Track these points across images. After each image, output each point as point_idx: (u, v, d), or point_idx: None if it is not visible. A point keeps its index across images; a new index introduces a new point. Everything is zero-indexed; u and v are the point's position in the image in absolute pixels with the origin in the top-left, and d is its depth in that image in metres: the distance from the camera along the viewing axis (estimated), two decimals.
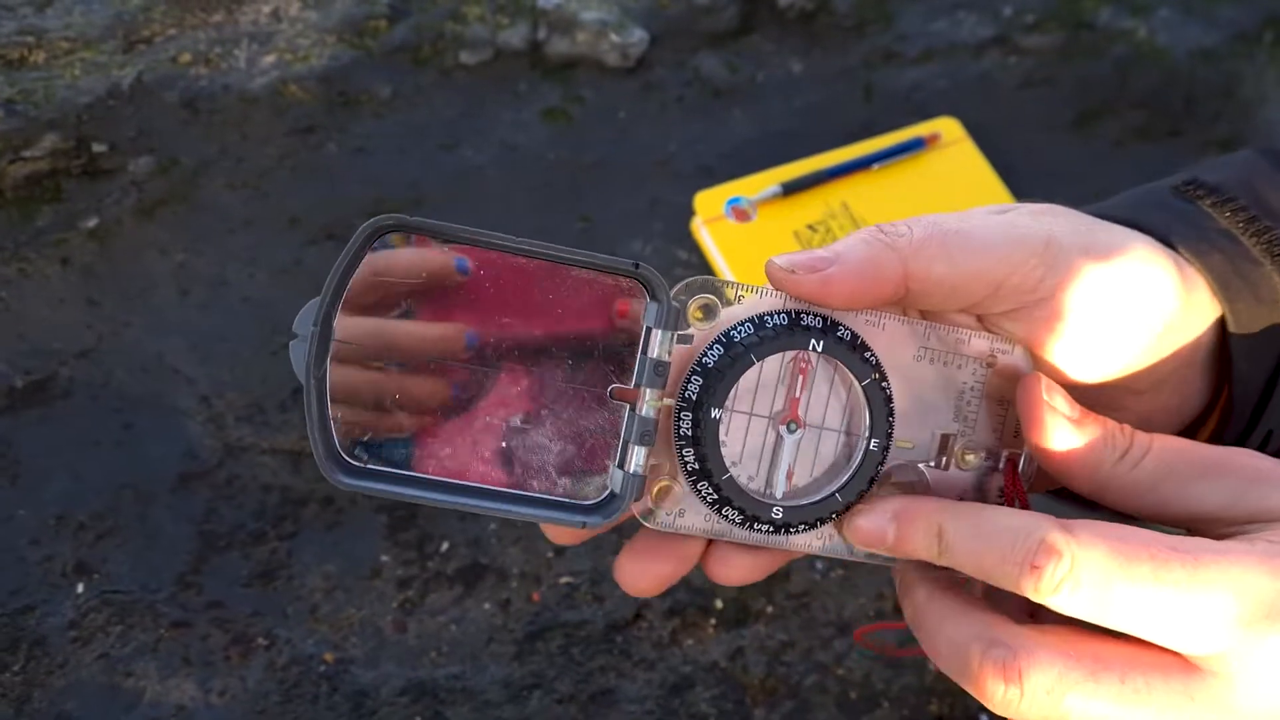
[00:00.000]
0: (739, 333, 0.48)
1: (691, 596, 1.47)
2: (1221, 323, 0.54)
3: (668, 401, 0.48)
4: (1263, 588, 0.39)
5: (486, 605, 1.44)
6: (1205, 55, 1.86)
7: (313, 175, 1.75)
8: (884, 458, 0.50)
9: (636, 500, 0.48)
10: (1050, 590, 0.42)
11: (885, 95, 1.80)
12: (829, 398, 0.51)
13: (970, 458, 0.53)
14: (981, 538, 0.45)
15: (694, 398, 0.48)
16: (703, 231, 1.71)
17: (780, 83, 1.84)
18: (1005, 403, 0.54)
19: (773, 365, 0.48)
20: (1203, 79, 1.86)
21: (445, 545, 1.51)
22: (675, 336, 0.48)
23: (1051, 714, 0.42)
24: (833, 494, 0.50)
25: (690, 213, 1.74)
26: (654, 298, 0.47)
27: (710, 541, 0.54)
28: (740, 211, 1.70)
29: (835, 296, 0.48)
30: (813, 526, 0.50)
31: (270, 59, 1.84)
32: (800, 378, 0.49)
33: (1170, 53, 1.86)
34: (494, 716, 1.36)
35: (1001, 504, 0.54)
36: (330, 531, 1.49)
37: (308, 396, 0.42)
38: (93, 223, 1.68)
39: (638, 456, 0.47)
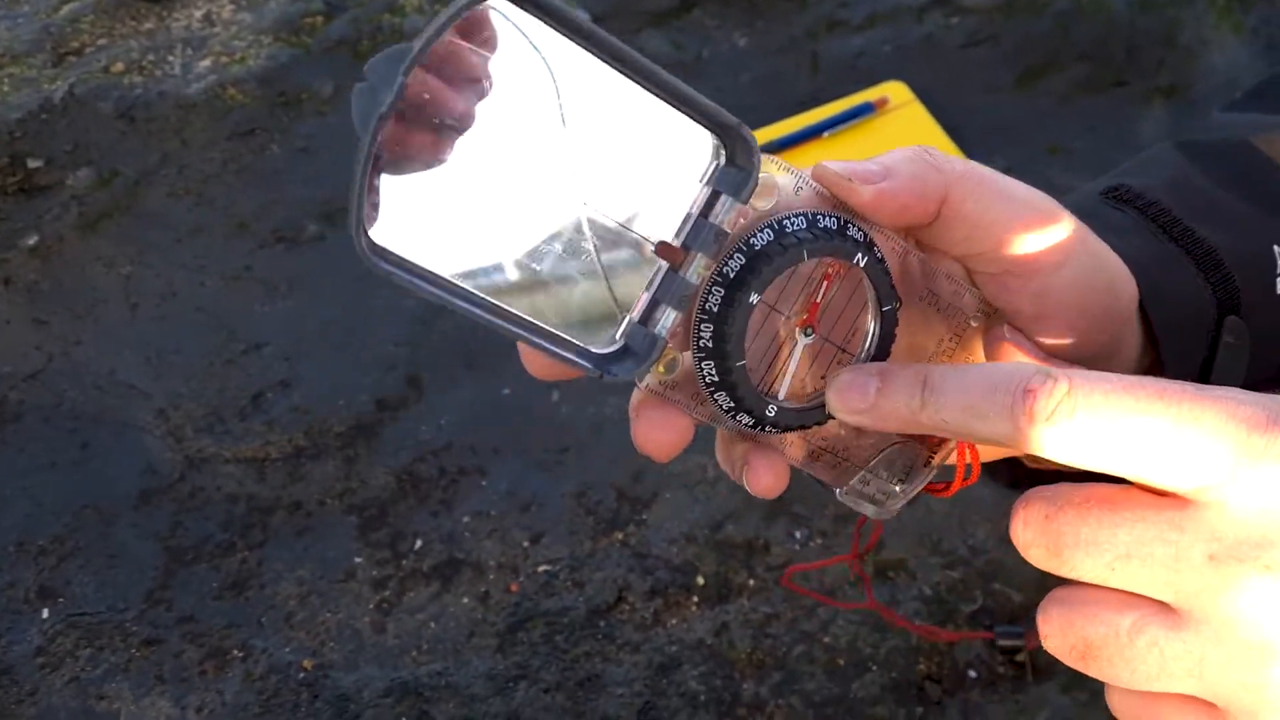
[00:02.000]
0: (792, 225, 0.44)
1: (672, 575, 1.46)
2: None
3: (708, 274, 0.45)
4: (1252, 413, 0.38)
5: (465, 600, 1.42)
6: (1144, 4, 1.87)
7: (258, 178, 1.72)
8: (896, 317, 0.49)
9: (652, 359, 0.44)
10: (1044, 417, 0.39)
11: (832, 63, 1.79)
12: (842, 311, 0.48)
13: None
14: (970, 376, 0.42)
15: (732, 276, 0.44)
16: None
17: (726, 58, 1.82)
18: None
19: (804, 266, 0.46)
20: (1143, 28, 1.87)
21: (419, 542, 1.48)
22: (741, 210, 0.44)
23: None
24: (823, 405, 0.47)
25: None
26: (734, 162, 0.44)
27: (748, 449, 0.50)
28: None
29: (883, 211, 0.47)
30: (791, 429, 0.48)
31: (206, 63, 1.80)
32: (825, 285, 0.46)
33: (1110, 4, 1.87)
34: (481, 711, 1.34)
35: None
36: (300, 537, 1.46)
37: (363, 151, 0.39)
38: (33, 240, 1.63)
39: (667, 318, 0.44)
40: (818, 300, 0.46)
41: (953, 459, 0.52)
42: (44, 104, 1.69)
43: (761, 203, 0.45)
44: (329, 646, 1.33)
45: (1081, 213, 0.54)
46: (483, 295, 0.43)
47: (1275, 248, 0.60)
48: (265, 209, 1.67)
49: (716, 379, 0.45)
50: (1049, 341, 0.51)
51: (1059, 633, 0.42)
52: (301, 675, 1.33)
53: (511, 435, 1.61)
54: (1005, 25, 1.84)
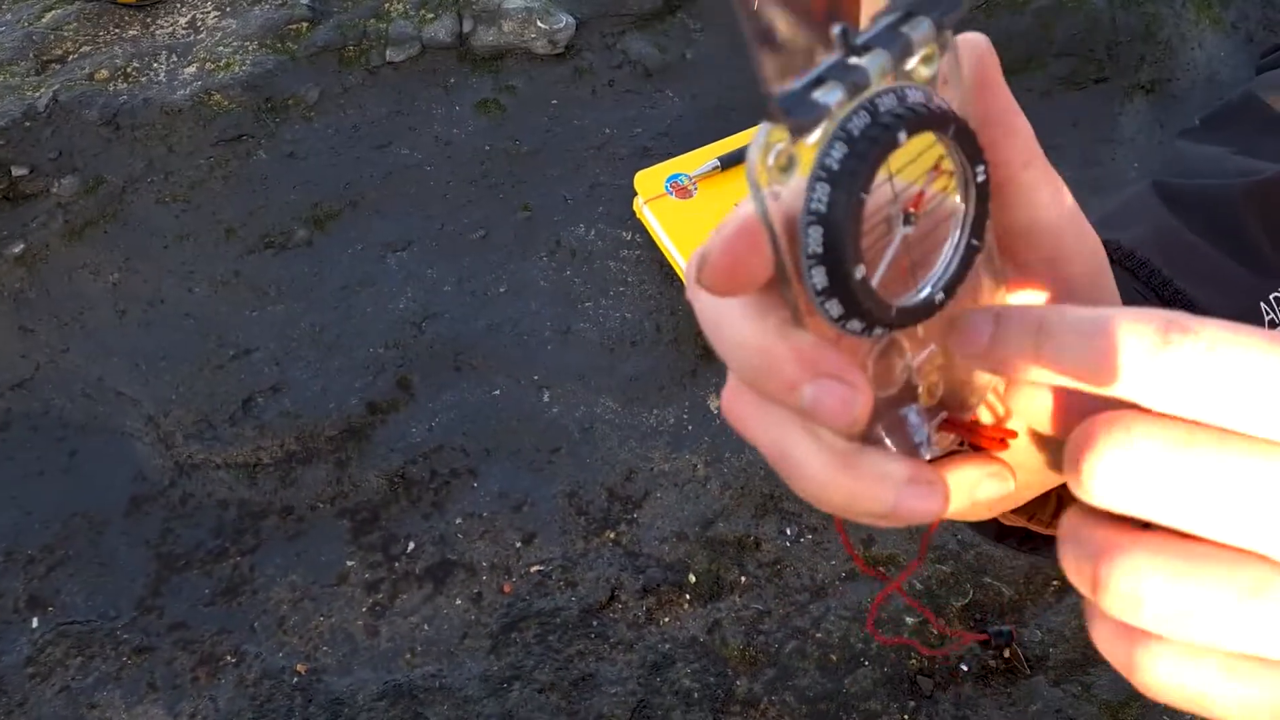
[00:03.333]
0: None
1: (664, 574, 1.46)
2: None
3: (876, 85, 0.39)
4: None
5: (458, 601, 1.42)
6: (1124, 1, 1.88)
7: (244, 184, 1.72)
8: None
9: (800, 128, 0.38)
10: (1178, 359, 0.35)
11: None
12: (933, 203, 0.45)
13: (932, 387, 0.49)
14: (1092, 318, 0.38)
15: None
16: (645, 211, 1.70)
17: (710, 59, 1.83)
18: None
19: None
20: (1124, 24, 1.88)
21: (411, 545, 1.48)
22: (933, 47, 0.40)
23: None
24: (930, 294, 0.42)
25: (631, 193, 1.72)
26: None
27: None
28: (680, 188, 1.69)
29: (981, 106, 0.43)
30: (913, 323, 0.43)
31: (191, 70, 1.80)
32: (933, 176, 0.42)
33: (1090, 0, 1.88)
34: (476, 713, 1.33)
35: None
36: (293, 541, 1.45)
37: None
38: (19, 248, 1.63)
39: (830, 94, 0.38)
40: (923, 190, 0.41)
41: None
42: (28, 112, 1.69)
43: (926, 69, 0.40)
44: (322, 651, 1.33)
45: None
46: None
47: (1263, 306, 0.58)
48: (253, 215, 1.67)
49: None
50: None
51: (1151, 590, 0.36)
52: (295, 680, 1.33)
53: (502, 436, 1.61)
54: (986, 23, 1.85)
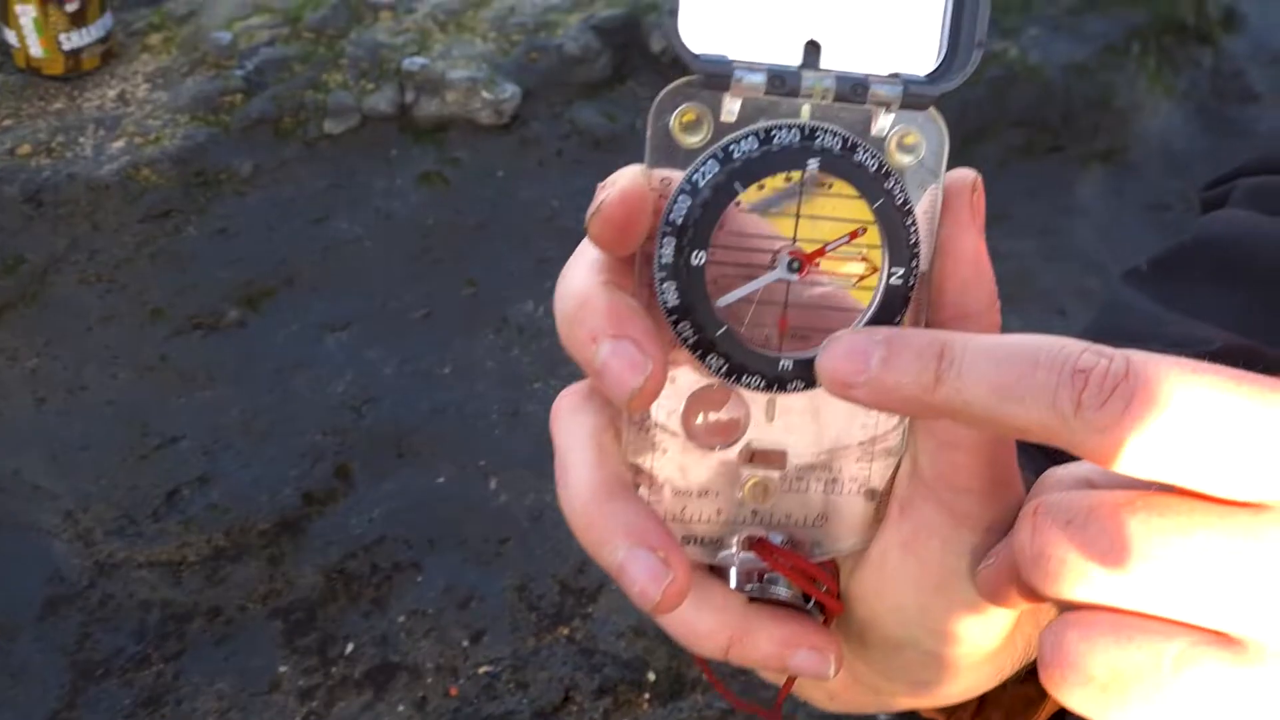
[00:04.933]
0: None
1: (622, 672, 1.38)
2: None
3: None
4: None
5: (401, 707, 1.32)
6: (1078, 70, 1.87)
7: (173, 262, 1.64)
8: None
9: (700, 84, 0.36)
10: (1098, 400, 0.32)
11: None
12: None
13: (757, 492, 0.43)
14: (1003, 347, 0.35)
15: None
16: None
17: None
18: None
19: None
20: (1078, 93, 1.87)
21: (350, 646, 1.38)
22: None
23: None
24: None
25: None
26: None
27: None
28: None
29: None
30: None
31: (119, 144, 1.72)
32: (847, 238, 0.39)
33: (1044, 70, 1.87)
34: None
35: None
36: (220, 645, 1.35)
37: None
38: None
39: (751, 72, 0.36)
40: (828, 250, 0.38)
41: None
42: None
43: (905, 156, 0.38)
44: None
45: None
46: None
47: None
48: (181, 294, 1.59)
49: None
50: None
51: (1078, 662, 0.34)
52: None
53: (448, 526, 1.53)
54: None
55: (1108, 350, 0.32)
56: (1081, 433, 0.32)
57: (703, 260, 0.36)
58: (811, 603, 0.41)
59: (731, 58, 0.36)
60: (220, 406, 1.58)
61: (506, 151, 1.77)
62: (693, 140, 0.37)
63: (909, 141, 0.38)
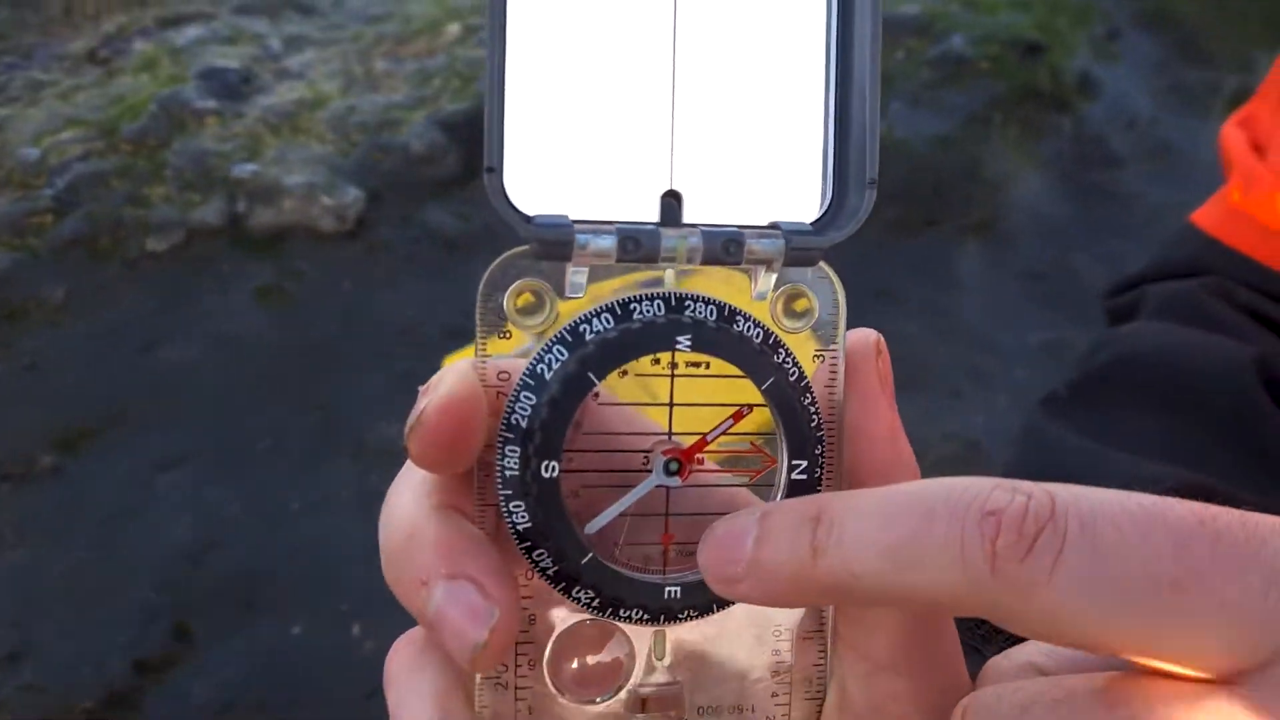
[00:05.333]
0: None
1: None
2: None
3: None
4: None
5: None
6: (943, 142, 1.84)
7: None
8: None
9: (536, 255, 0.31)
10: (1018, 551, 0.27)
11: None
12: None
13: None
14: (891, 500, 0.30)
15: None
16: None
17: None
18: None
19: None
20: (946, 166, 1.84)
21: None
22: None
23: None
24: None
25: None
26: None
27: None
28: None
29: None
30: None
31: None
32: (731, 422, 0.34)
33: (910, 144, 1.84)
34: None
35: None
36: None
37: None
38: None
39: (598, 240, 0.32)
40: (707, 439, 0.33)
41: None
42: None
43: (794, 321, 0.34)
44: None
45: None
46: None
47: None
48: None
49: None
50: None
51: None
52: None
53: (308, 684, 1.38)
54: None
55: (1024, 485, 0.28)
56: (1003, 596, 0.27)
57: (555, 472, 0.31)
58: None
59: (572, 218, 0.31)
60: (34, 569, 1.40)
61: (353, 260, 1.64)
62: (533, 323, 0.32)
63: (799, 306, 0.34)
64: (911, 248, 1.69)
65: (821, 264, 0.33)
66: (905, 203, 1.76)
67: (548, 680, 0.34)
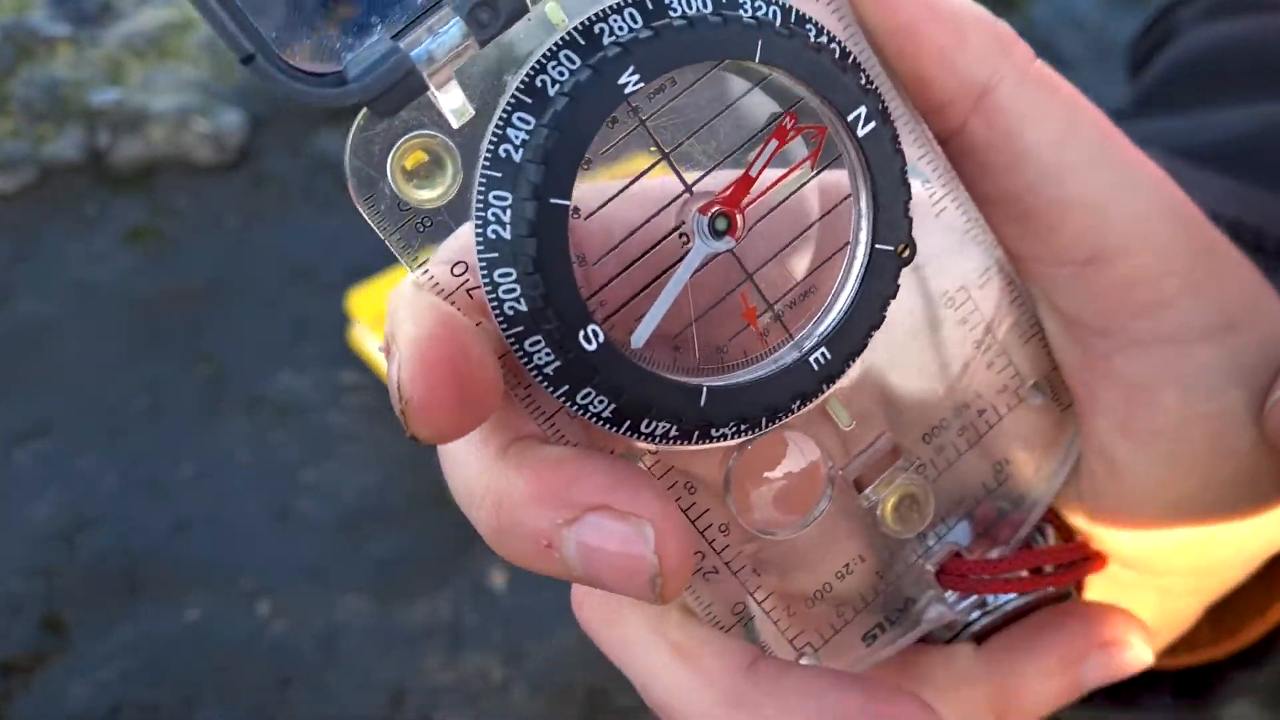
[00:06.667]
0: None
1: None
2: None
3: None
4: None
5: None
6: None
7: None
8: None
9: (378, 107, 0.24)
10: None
11: None
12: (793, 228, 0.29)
13: (905, 511, 0.32)
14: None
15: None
16: (369, 341, 1.38)
17: None
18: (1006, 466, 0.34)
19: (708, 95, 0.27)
20: None
21: None
22: None
23: None
24: (804, 358, 0.28)
25: (347, 323, 1.40)
26: None
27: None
28: None
29: (882, 13, 0.29)
30: (755, 427, 0.28)
31: None
32: (774, 144, 0.27)
33: None
34: None
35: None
36: None
37: None
38: None
39: (442, 38, 0.25)
40: (753, 173, 0.27)
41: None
42: None
43: None
44: None
45: None
46: None
47: None
48: None
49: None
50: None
51: None
52: None
53: (209, 676, 1.25)
54: None
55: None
56: None
57: (600, 337, 0.26)
58: (1050, 587, 0.33)
59: (387, 46, 0.26)
60: None
61: (237, 195, 1.50)
62: (440, 187, 0.27)
63: None
64: None
65: None
66: None
67: (754, 530, 0.30)
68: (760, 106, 0.28)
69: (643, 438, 0.28)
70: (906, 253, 0.29)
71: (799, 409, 0.29)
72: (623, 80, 0.25)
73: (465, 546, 1.31)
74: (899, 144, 0.29)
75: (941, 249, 0.31)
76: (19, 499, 1.31)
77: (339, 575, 1.32)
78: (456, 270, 0.26)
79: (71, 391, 1.37)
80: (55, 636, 1.27)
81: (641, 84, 0.26)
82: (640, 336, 0.27)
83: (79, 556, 1.31)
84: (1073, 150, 0.31)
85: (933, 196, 0.32)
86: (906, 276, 0.30)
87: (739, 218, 0.28)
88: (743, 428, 0.28)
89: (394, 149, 0.26)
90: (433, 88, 0.25)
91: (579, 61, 0.26)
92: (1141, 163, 0.32)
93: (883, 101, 0.29)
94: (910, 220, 0.29)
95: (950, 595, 0.33)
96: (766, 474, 0.31)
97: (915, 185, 0.30)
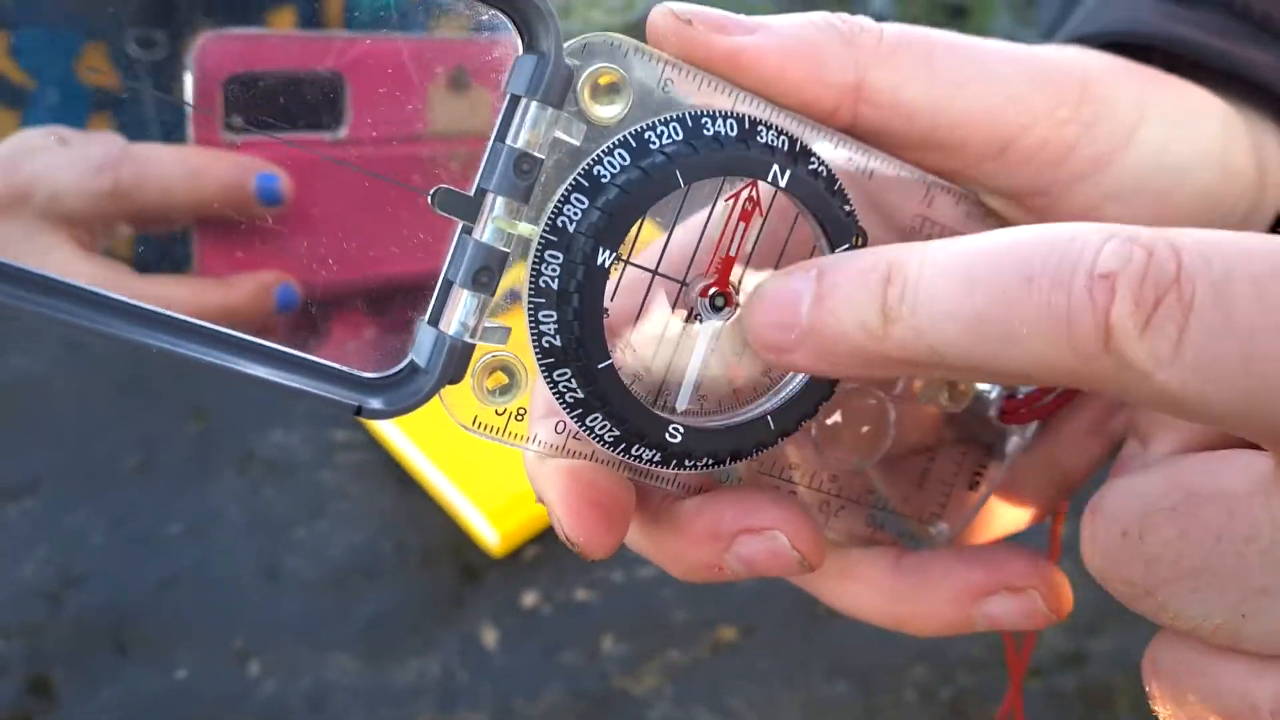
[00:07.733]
0: (658, 135, 0.29)
1: None
2: None
3: (528, 228, 0.30)
4: None
5: None
6: None
7: None
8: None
9: (452, 379, 0.30)
10: (1139, 322, 0.22)
11: None
12: (776, 265, 0.33)
13: (954, 392, 0.38)
14: (980, 256, 0.25)
15: (572, 227, 0.29)
16: None
17: None
18: None
19: (700, 198, 0.32)
20: None
21: None
22: (559, 120, 0.30)
23: None
24: (762, 415, 0.33)
25: None
26: (530, 45, 0.28)
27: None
28: None
29: (745, 75, 0.33)
30: (720, 463, 0.33)
31: None
32: (742, 226, 0.32)
33: None
34: None
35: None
36: None
37: None
38: None
39: (463, 308, 0.29)
40: (732, 254, 0.32)
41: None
42: None
43: (603, 108, 0.31)
44: None
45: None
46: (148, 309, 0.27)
47: None
48: None
49: (579, 395, 0.30)
50: None
51: (1171, 706, 0.29)
52: None
53: None
54: None
55: (1142, 236, 0.24)
56: (1117, 375, 0.24)
57: (677, 424, 0.33)
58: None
59: (434, 335, 0.32)
60: None
61: None
62: (518, 399, 0.34)
63: (611, 79, 0.32)
64: None
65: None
66: None
67: (855, 470, 0.37)
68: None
69: (633, 459, 0.32)
70: (860, 241, 0.34)
71: (757, 454, 0.34)
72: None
73: (455, 604, 1.29)
74: (818, 169, 0.33)
75: (887, 204, 0.37)
76: (7, 557, 1.28)
77: (329, 633, 1.29)
78: (559, 428, 0.32)
79: (60, 448, 1.35)
80: (41, 697, 1.24)
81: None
82: (682, 402, 0.33)
83: (65, 614, 1.25)
84: (943, 83, 0.35)
85: (860, 168, 0.36)
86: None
87: (731, 290, 0.33)
88: (710, 462, 0.34)
89: (479, 365, 0.32)
90: (479, 341, 0.31)
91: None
92: (997, 52, 0.36)
93: (791, 146, 0.33)
94: (853, 215, 0.33)
95: (1015, 428, 0.39)
96: (847, 432, 0.36)
97: (840, 158, 0.34)
